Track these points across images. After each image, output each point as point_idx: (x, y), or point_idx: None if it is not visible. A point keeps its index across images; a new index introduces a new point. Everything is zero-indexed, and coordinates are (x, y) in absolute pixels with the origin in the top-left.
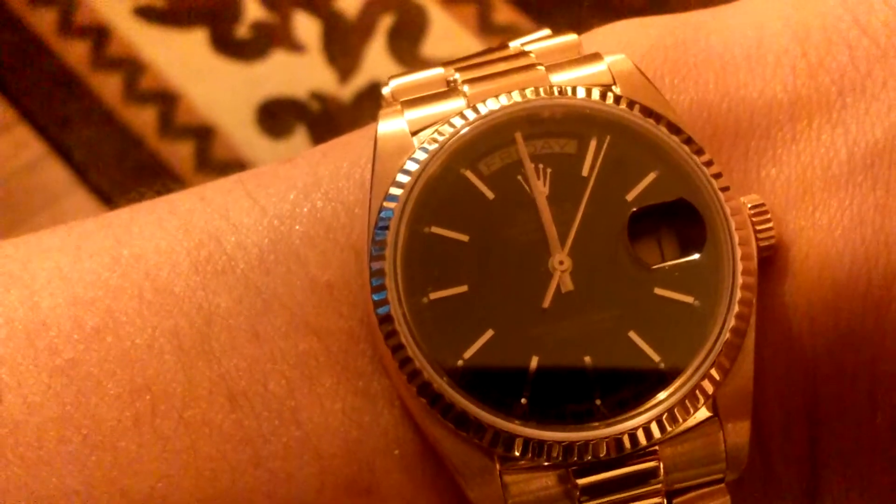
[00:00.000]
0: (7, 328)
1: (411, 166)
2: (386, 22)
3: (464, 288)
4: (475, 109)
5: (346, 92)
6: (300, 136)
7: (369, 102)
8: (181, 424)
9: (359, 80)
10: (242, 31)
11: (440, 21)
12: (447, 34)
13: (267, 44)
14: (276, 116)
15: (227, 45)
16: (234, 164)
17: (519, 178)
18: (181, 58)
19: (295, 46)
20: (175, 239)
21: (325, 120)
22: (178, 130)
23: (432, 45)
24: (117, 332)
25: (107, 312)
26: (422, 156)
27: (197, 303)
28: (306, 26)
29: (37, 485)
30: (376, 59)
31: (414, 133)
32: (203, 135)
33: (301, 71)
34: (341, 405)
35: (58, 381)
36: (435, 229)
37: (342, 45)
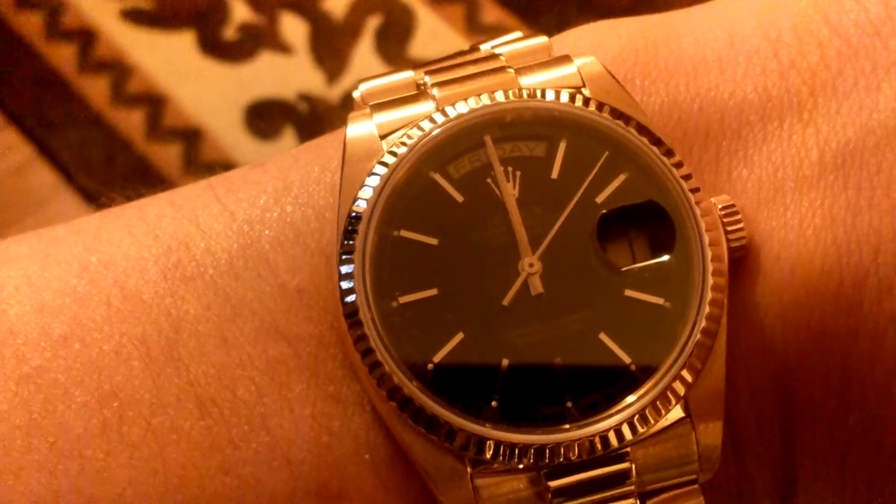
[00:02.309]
0: None
1: (380, 170)
2: (373, 22)
3: (433, 291)
4: (444, 112)
5: (334, 93)
6: (288, 138)
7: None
8: (149, 431)
9: (346, 81)
10: (229, 32)
11: (427, 21)
12: (434, 34)
13: (254, 45)
14: (264, 118)
15: (215, 46)
16: (222, 166)
17: (488, 181)
18: (168, 60)
19: (282, 48)
20: (144, 245)
21: (312, 121)
22: (165, 133)
23: (420, 46)
24: (84, 340)
25: (74, 320)
26: (390, 159)
27: (165, 309)
28: (293, 27)
29: (3, 493)
30: (364, 60)
31: (383, 136)
32: (191, 137)
33: (289, 72)
34: (311, 410)
35: (25, 388)
36: (404, 233)
37: (329, 46)
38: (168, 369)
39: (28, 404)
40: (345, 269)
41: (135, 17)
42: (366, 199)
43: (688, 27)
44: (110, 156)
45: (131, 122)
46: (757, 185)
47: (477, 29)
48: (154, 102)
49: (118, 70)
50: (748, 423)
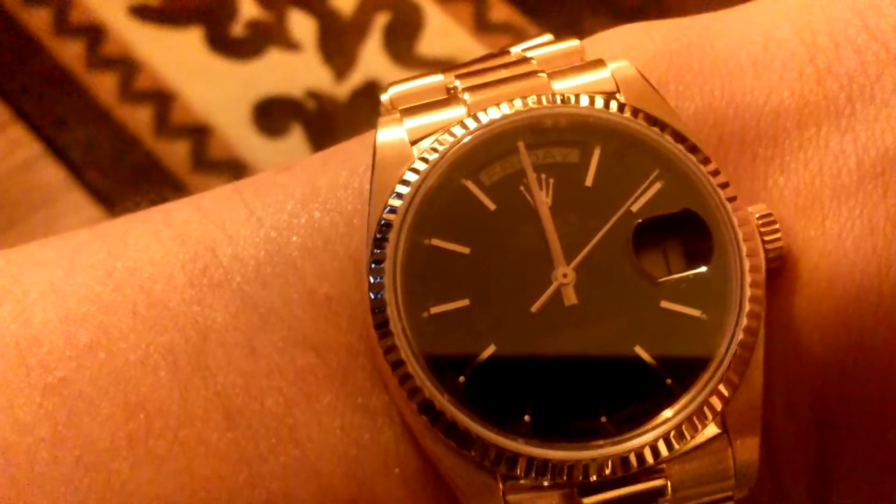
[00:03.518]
0: None
1: (411, 177)
2: (381, 20)
3: (465, 302)
4: (476, 118)
5: (342, 90)
6: (296, 135)
7: (365, 101)
8: (176, 444)
9: (355, 79)
10: (238, 29)
11: (436, 19)
12: (443, 32)
13: (262, 42)
14: (272, 115)
15: (223, 43)
16: (230, 164)
17: (521, 188)
18: (177, 57)
19: (290, 45)
20: (170, 251)
21: (321, 118)
22: (173, 130)
23: (428, 44)
24: (110, 349)
25: (100, 328)
26: (422, 166)
27: (192, 317)
28: (302, 25)
29: None
30: (372, 58)
31: (413, 142)
32: (199, 134)
33: (297, 69)
34: (340, 422)
35: (50, 400)
36: (435, 241)
37: (338, 43)
38: (195, 379)
39: (53, 416)
40: (375, 278)
41: (143, 13)
42: (396, 207)
43: (722, 30)
44: (118, 152)
45: (139, 118)
46: (794, 194)
47: (486, 27)
48: (162, 99)
49: (126, 67)
50: (784, 438)
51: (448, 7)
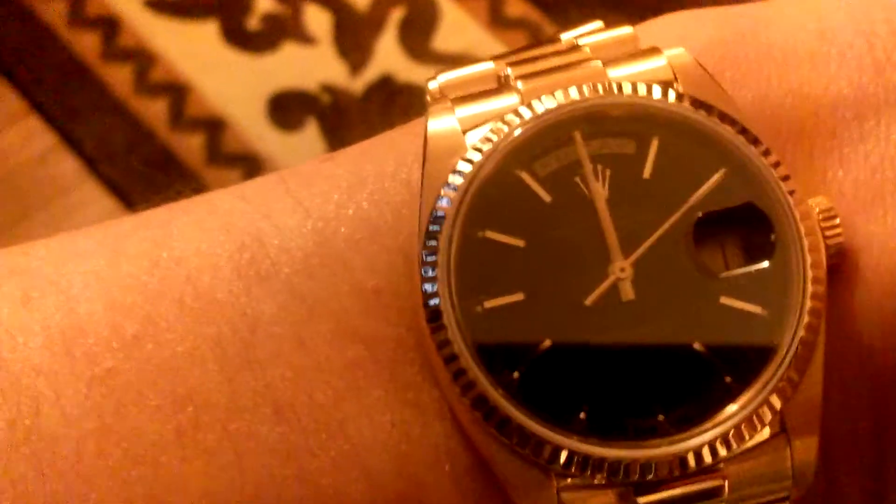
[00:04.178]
0: (43, 335)
1: (464, 167)
2: (396, 14)
3: (520, 296)
4: (530, 107)
5: (357, 84)
6: (311, 129)
7: (380, 95)
8: (225, 438)
9: (370, 73)
10: (253, 22)
11: (451, 14)
12: (458, 27)
13: (278, 36)
14: (287, 109)
15: (238, 37)
16: (244, 157)
17: (577, 179)
18: (192, 49)
19: (306, 39)
20: (216, 241)
21: (335, 112)
22: (188, 122)
23: (443, 39)
24: (157, 340)
25: (146, 319)
26: (476, 156)
27: (240, 309)
28: (317, 18)
29: (76, 501)
30: (387, 52)
31: (465, 131)
32: (214, 127)
33: (312, 63)
34: (390, 417)
35: (96, 391)
36: (489, 234)
37: (353, 37)
38: (244, 372)
39: (100, 408)
40: (428, 271)
41: (158, 5)
42: (450, 199)
43: (775, 18)
44: (133, 145)
45: (154, 111)
46: (854, 187)
47: (501, 22)
48: (177, 92)
49: (142, 59)
50: (841, 437)
51: (463, 2)
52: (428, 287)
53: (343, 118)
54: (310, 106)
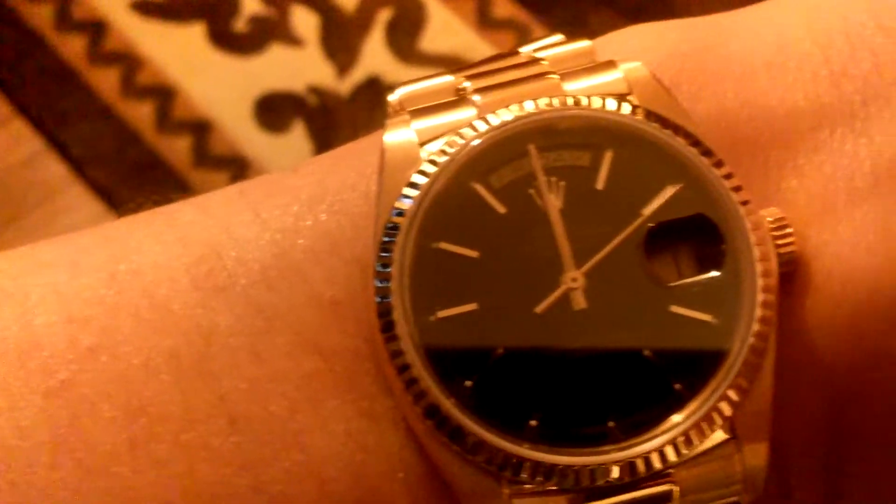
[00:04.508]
0: None
1: (419, 179)
2: (384, 16)
3: (473, 306)
4: (486, 120)
5: (345, 86)
6: (298, 131)
7: (367, 96)
8: (178, 448)
9: (357, 75)
10: (240, 25)
11: (439, 15)
12: (446, 29)
13: (265, 38)
14: (274, 111)
15: (225, 39)
16: (231, 159)
17: (531, 191)
18: (179, 52)
19: (293, 40)
20: (173, 253)
21: (322, 114)
22: (175, 125)
23: (430, 40)
24: (113, 352)
25: (102, 331)
26: (430, 168)
27: (196, 321)
28: (304, 20)
29: None
30: (374, 54)
31: (422, 144)
32: (201, 129)
33: (299, 65)
34: (345, 427)
35: (51, 403)
36: (443, 245)
37: (340, 39)
38: (198, 384)
39: (54, 419)
40: (381, 282)
41: (145, 8)
42: (404, 210)
43: (736, 30)
44: (120, 148)
45: (141, 114)
46: (807, 197)
47: (489, 23)
48: (164, 95)
49: (129, 62)
50: (794, 444)
51: (451, 3)
52: (381, 298)
53: (330, 120)
54: (297, 107)
